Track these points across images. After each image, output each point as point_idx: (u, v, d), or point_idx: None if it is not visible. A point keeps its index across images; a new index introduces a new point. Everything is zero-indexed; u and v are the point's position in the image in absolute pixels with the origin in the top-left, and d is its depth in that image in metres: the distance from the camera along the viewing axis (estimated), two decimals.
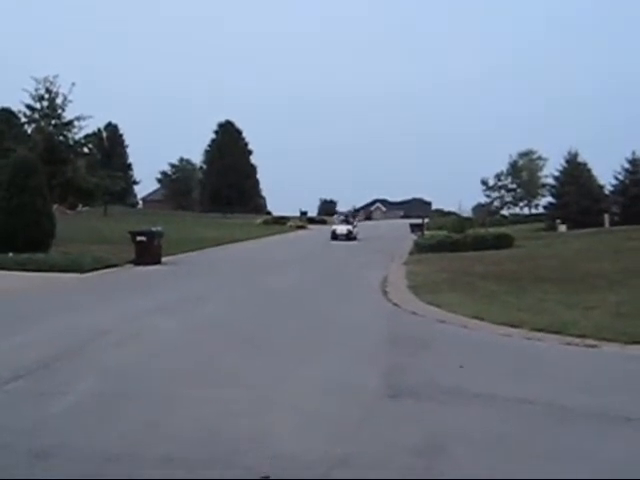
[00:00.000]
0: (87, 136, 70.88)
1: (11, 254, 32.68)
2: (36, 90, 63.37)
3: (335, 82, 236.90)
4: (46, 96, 63.28)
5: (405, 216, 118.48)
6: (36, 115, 64.07)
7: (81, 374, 12.13)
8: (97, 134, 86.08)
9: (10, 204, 36.87)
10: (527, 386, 11.38)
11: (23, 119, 66.48)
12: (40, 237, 36.94)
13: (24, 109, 65.36)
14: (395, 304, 21.99)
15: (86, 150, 74.50)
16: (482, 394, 10.80)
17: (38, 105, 63.60)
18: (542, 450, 8.19)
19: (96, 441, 8.47)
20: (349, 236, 63.16)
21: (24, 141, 60.18)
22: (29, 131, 65.33)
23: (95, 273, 31.38)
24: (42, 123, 63.42)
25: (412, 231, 64.69)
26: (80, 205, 74.45)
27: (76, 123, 64.71)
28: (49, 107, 63.40)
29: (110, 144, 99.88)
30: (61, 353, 13.92)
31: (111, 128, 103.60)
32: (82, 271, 30.72)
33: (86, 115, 64.28)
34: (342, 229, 65.46)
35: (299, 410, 9.88)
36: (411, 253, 43.17)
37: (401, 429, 9.01)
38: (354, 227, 67.77)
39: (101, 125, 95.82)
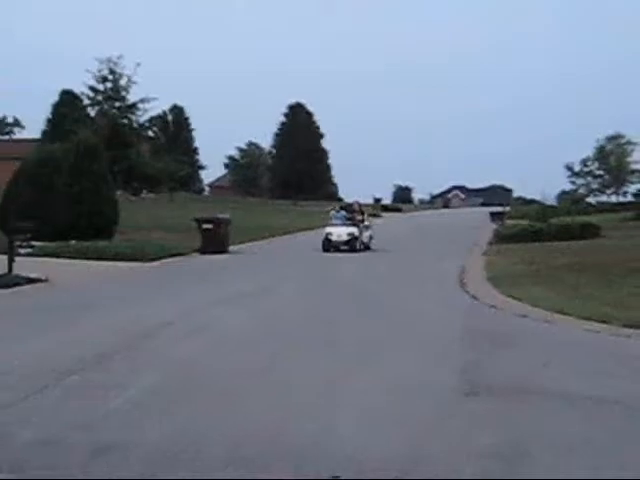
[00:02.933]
0: (152, 119, 71.51)
1: (73, 242, 33.00)
2: (99, 71, 64.12)
3: (408, 55, 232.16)
4: (110, 77, 63.98)
5: (484, 204, 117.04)
6: (99, 97, 64.77)
7: (142, 367, 12.23)
8: (162, 117, 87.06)
9: (72, 190, 37.30)
10: (611, 386, 11.15)
11: (86, 101, 67.23)
12: (103, 224, 37.32)
13: (87, 91, 66.21)
14: (473, 296, 21.79)
15: (150, 134, 75.32)
16: (564, 394, 10.62)
17: (101, 87, 64.37)
18: (624, 454, 8.06)
19: (156, 437, 8.51)
20: (352, 245, 38.20)
21: (87, 124, 60.80)
22: (92, 114, 66.03)
23: (159, 262, 31.69)
24: (105, 105, 64.09)
25: (492, 220, 61.91)
26: (144, 191, 74.59)
27: (140, 105, 65.33)
28: (113, 89, 64.03)
29: (175, 127, 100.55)
30: (122, 345, 14.03)
31: (176, 111, 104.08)
32: (146, 260, 30.93)
33: (151, 97, 64.81)
34: (340, 233, 38.57)
35: (372, 408, 9.83)
36: (490, 243, 42.72)
37: (477, 429, 8.90)
38: (363, 228, 40.20)
39: (166, 108, 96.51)
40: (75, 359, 12.49)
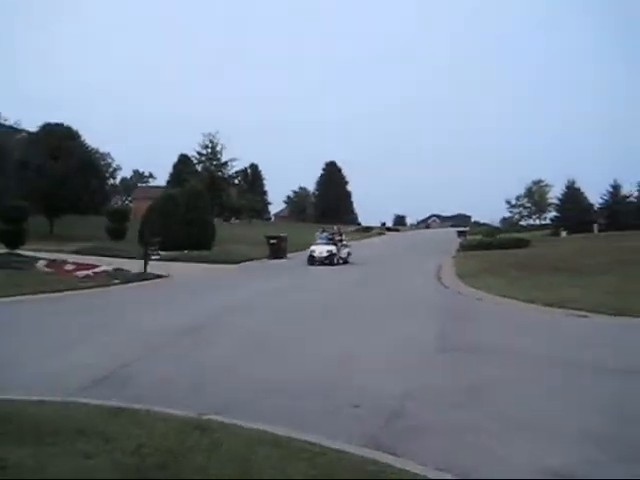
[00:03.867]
0: (237, 172, 72.76)
1: (186, 251, 33.22)
2: (203, 141, 65.58)
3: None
4: (209, 145, 65.18)
5: (453, 225, 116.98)
6: (203, 158, 66.12)
7: (226, 332, 12.16)
8: (244, 171, 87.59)
9: (186, 218, 37.64)
10: (540, 345, 10.96)
11: (194, 161, 68.59)
12: (205, 240, 37.61)
13: (195, 154, 67.71)
14: (445, 286, 21.54)
15: (236, 181, 76.14)
16: (503, 349, 10.54)
17: (204, 151, 65.60)
18: (546, 389, 7.94)
19: (237, 377, 8.38)
20: (330, 260, 32.80)
21: (195, 176, 61.80)
22: (198, 169, 67.02)
23: (242, 264, 31.72)
24: (207, 163, 65.29)
25: (458, 236, 61.66)
26: (233, 218, 75.74)
27: (229, 163, 67.09)
28: (211, 152, 65.26)
29: (253, 177, 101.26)
30: (213, 317, 13.98)
31: (253, 166, 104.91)
32: (232, 262, 31.08)
33: (235, 158, 66.91)
34: (321, 251, 33.55)
35: (378, 359, 9.64)
36: (457, 250, 42.25)
37: (451, 374, 8.71)
38: (341, 247, 35.13)
39: (247, 164, 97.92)
40: (186, 326, 12.43)
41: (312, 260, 32.52)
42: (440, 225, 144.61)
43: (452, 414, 6.84)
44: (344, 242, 35.92)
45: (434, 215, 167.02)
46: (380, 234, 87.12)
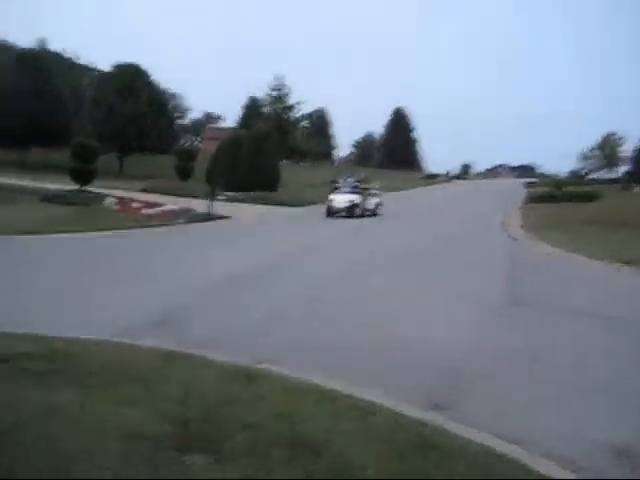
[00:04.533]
0: (303, 115, 72.32)
1: (252, 193, 33.16)
2: (271, 83, 65.37)
3: None
4: (277, 87, 64.88)
5: (519, 176, 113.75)
6: (270, 100, 65.92)
7: (286, 274, 11.91)
8: (311, 115, 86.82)
9: (252, 159, 37.46)
10: (600, 305, 10.38)
11: (263, 103, 68.47)
12: (271, 182, 37.47)
13: (264, 96, 67.55)
14: (513, 238, 20.75)
15: (303, 124, 75.80)
16: (569, 309, 9.97)
17: (272, 93, 65.38)
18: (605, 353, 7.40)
19: (295, 328, 8.12)
20: (351, 211, 27.07)
21: (263, 118, 61.66)
22: (267, 111, 66.85)
23: (305, 207, 31.58)
24: (274, 106, 65.07)
25: (525, 187, 60.02)
26: (299, 162, 75.68)
27: (296, 106, 66.58)
28: (279, 95, 64.97)
29: (319, 121, 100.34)
30: (276, 260, 13.76)
31: (320, 110, 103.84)
32: (296, 205, 31.07)
33: (302, 101, 66.51)
34: (341, 200, 27.71)
35: (448, 315, 9.24)
36: (525, 202, 40.93)
37: (514, 329, 8.28)
38: (368, 196, 29.05)
39: (314, 108, 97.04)
40: (245, 269, 12.25)
41: (330, 211, 27.07)
42: (508, 175, 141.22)
43: (512, 379, 6.43)
44: (373, 191, 30.20)
45: (501, 165, 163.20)
46: (445, 181, 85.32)
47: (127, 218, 20.50)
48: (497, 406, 5.57)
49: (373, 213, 28.37)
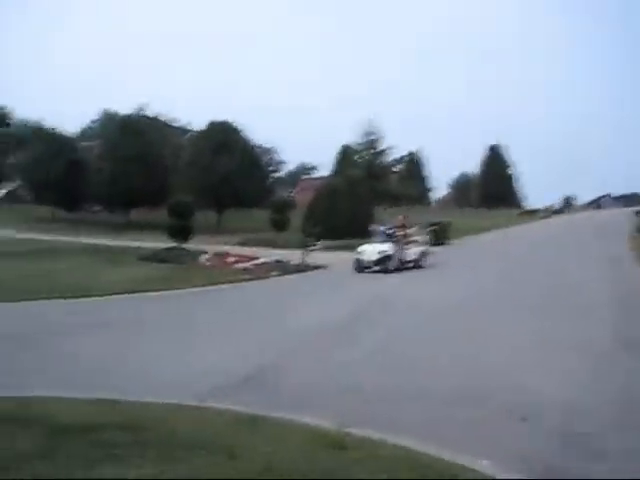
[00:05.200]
0: (395, 159, 72.48)
1: (348, 240, 32.78)
2: (362, 131, 65.91)
3: None
4: (368, 134, 65.32)
5: (626, 205, 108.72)
6: (361, 147, 66.36)
7: (376, 329, 11.26)
8: (402, 158, 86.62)
9: (347, 207, 37.25)
10: None
11: (355, 150, 69.12)
12: (364, 227, 37.03)
13: (355, 144, 68.21)
14: None
15: (395, 169, 75.74)
16: None
17: (363, 140, 65.90)
18: None
19: (383, 383, 7.47)
20: (383, 264, 21.94)
21: (355, 165, 61.98)
22: (358, 158, 67.22)
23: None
24: (365, 152, 65.43)
25: (636, 215, 56.23)
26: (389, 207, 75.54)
27: (387, 151, 66.79)
28: (371, 141, 65.37)
29: (412, 164, 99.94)
30: (378, 301, 13.14)
31: (412, 154, 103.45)
32: None
33: (393, 146, 66.75)
34: (371, 252, 22.45)
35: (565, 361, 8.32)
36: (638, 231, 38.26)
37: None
38: (404, 246, 23.07)
39: (404, 152, 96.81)
40: (338, 322, 11.72)
41: (358, 264, 22.19)
42: (612, 205, 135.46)
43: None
44: (414, 237, 24.45)
45: (605, 195, 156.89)
46: (545, 217, 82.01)
47: (221, 273, 20.52)
48: None
49: (416, 265, 23.06)
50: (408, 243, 23.45)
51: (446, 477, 4.48)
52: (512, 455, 5.10)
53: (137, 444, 5.05)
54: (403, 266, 22.37)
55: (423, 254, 23.79)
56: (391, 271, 21.66)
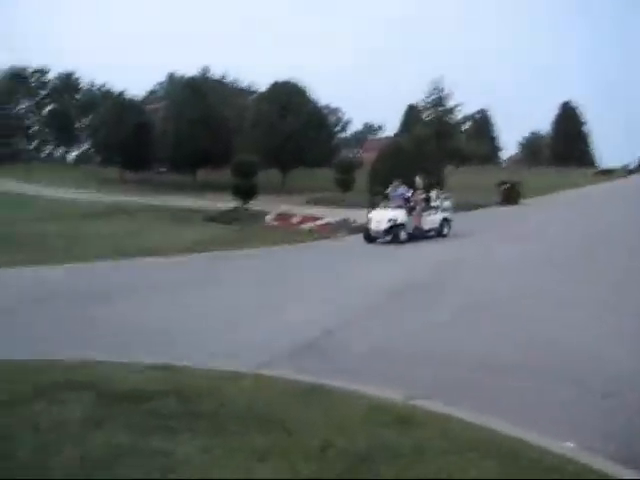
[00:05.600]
0: (465, 117, 70.66)
1: None
2: (430, 88, 64.30)
3: None
4: (436, 92, 63.63)
5: None
6: (429, 105, 64.70)
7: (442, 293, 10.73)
8: (472, 116, 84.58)
9: (414, 165, 36.33)
10: None
11: (421, 108, 67.50)
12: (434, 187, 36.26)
13: (422, 102, 66.63)
14: None
15: (464, 127, 73.93)
16: None
17: (430, 98, 64.21)
18: None
19: (452, 353, 7.00)
20: (394, 233, 19.11)
21: (422, 124, 60.74)
22: (423, 116, 65.81)
23: (473, 211, 30.32)
24: (433, 110, 63.81)
25: None
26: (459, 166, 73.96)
27: (456, 109, 64.87)
28: (439, 99, 63.70)
29: (481, 123, 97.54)
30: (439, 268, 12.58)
31: (482, 111, 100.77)
32: (461, 210, 29.57)
33: (461, 103, 64.83)
34: (381, 219, 19.37)
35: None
36: None
37: None
38: (429, 211, 20.53)
39: (475, 109, 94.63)
40: (402, 285, 11.23)
41: (368, 234, 19.66)
42: None
43: None
44: (434, 203, 21.28)
45: None
46: (621, 177, 78.43)
47: (286, 233, 20.34)
48: None
49: (438, 233, 20.56)
50: (421, 211, 20.29)
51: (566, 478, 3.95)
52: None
53: (189, 415, 4.76)
54: (420, 235, 19.87)
55: (445, 221, 20.97)
56: (401, 241, 19.11)
